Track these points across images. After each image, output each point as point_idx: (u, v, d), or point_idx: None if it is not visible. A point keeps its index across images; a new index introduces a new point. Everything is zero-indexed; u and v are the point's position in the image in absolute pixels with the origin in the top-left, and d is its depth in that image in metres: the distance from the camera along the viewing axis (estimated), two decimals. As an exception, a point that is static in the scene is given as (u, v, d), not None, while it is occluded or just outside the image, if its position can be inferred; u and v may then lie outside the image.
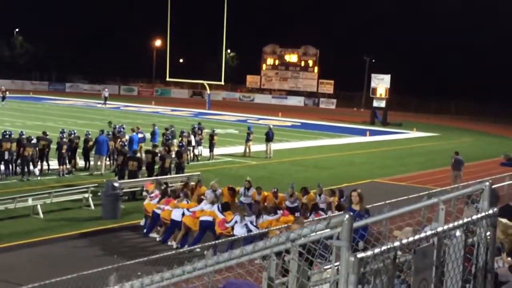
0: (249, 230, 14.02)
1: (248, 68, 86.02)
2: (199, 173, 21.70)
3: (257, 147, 31.29)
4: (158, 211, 15.76)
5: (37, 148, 22.62)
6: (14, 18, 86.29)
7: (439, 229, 3.32)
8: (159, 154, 22.25)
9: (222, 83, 61.27)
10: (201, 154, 29.15)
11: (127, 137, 26.02)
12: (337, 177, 25.43)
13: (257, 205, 16.36)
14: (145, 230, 16.14)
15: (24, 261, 13.64)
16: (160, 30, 70.33)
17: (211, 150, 28.87)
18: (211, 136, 29.06)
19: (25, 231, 15.77)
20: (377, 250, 2.79)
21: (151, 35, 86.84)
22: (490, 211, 3.69)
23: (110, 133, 26.03)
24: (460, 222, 3.46)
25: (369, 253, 2.76)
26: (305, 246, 3.18)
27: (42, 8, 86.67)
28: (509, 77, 76.54)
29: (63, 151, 22.84)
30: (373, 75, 57.42)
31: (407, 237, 3.05)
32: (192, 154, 27.92)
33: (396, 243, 2.93)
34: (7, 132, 22.58)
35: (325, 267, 4.31)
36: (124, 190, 18.68)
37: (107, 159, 24.78)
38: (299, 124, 51.21)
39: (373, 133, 46.31)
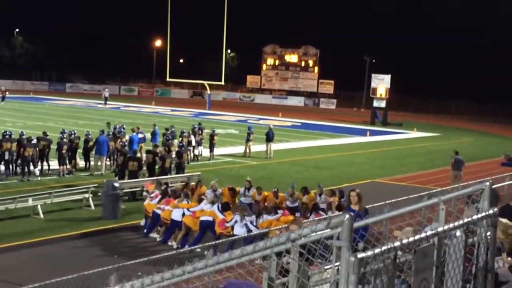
0: (249, 230, 14.03)
1: (248, 68, 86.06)
2: (199, 173, 21.71)
3: (257, 147, 31.30)
4: (158, 211, 15.76)
5: (37, 149, 22.63)
6: (14, 18, 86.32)
7: (440, 229, 3.32)
8: (159, 154, 22.26)
9: (223, 83, 61.31)
10: (201, 154, 29.16)
11: (127, 137, 26.03)
12: (338, 177, 25.43)
13: (257, 205, 16.37)
14: (145, 230, 16.14)
15: (24, 261, 13.64)
16: (160, 30, 70.39)
17: (211, 150, 28.87)
18: (212, 136, 29.07)
19: (25, 231, 15.78)
20: (377, 250, 2.79)
21: (151, 35, 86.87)
22: (491, 211, 3.69)
23: (111, 133, 26.04)
24: (461, 222, 3.46)
25: (369, 253, 2.76)
26: (305, 246, 3.18)
27: (42, 8, 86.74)
28: (509, 77, 76.56)
29: (64, 151, 22.85)
30: (373, 75, 57.43)
31: (408, 237, 3.04)
32: (192, 155, 27.93)
33: (397, 243, 2.93)
34: (7, 133, 22.59)
35: (326, 267, 4.31)
36: (124, 190, 18.69)
37: (108, 159, 24.78)
38: (299, 124, 51.21)
39: (373, 133, 46.31)
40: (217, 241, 13.65)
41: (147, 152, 23.54)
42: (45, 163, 23.30)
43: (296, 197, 16.86)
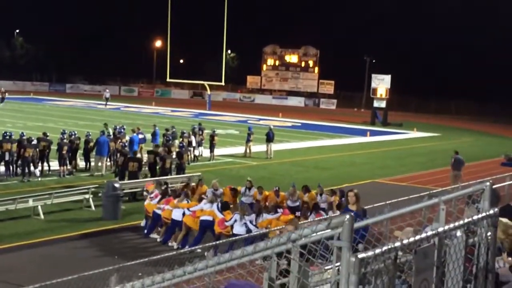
0: (248, 229, 14.04)
1: (249, 69, 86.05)
2: (199, 173, 21.70)
3: (258, 147, 31.30)
4: (159, 211, 15.77)
5: (37, 149, 22.63)
6: (14, 19, 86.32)
7: (440, 229, 3.32)
8: (160, 155, 22.26)
9: (223, 83, 61.30)
10: (201, 155, 29.16)
11: (127, 138, 26.03)
12: (338, 178, 25.43)
13: (258, 204, 16.38)
14: (145, 231, 16.15)
15: (24, 262, 13.64)
16: (160, 30, 70.37)
17: (211, 151, 28.87)
18: (212, 136, 29.06)
19: (25, 232, 15.78)
20: (378, 251, 2.79)
21: (151, 35, 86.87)
22: (491, 211, 3.70)
23: (111, 134, 26.03)
24: (461, 222, 3.46)
25: (370, 253, 2.76)
26: (306, 247, 3.18)
27: (42, 8, 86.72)
28: (509, 77, 76.54)
29: (64, 152, 22.84)
30: (373, 75, 57.41)
31: (408, 238, 3.05)
32: (192, 155, 27.94)
33: (397, 244, 2.93)
34: (8, 133, 22.60)
35: (326, 268, 4.31)
36: (124, 191, 18.69)
37: (108, 160, 24.79)
38: (299, 124, 51.21)
39: (373, 133, 46.31)
40: (217, 242, 13.64)
41: (149, 152, 23.54)
42: (45, 163, 23.30)
43: (297, 197, 16.87)
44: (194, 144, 28.23)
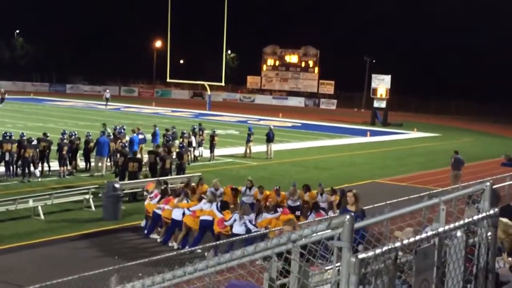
0: (248, 229, 14.04)
1: (249, 69, 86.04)
2: (200, 174, 21.70)
3: (258, 147, 31.30)
4: (159, 211, 15.77)
5: (37, 150, 22.63)
6: (14, 19, 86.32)
7: (440, 229, 3.32)
8: (161, 155, 22.27)
9: (223, 84, 61.31)
10: (201, 155, 29.16)
11: (127, 138, 26.03)
12: (338, 178, 25.43)
13: (258, 203, 16.39)
14: (145, 231, 16.15)
15: (25, 262, 13.64)
16: (160, 30, 70.34)
17: (211, 151, 28.87)
18: (212, 137, 29.06)
19: (26, 232, 15.78)
20: (378, 251, 2.79)
21: (151, 35, 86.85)
22: (491, 211, 3.70)
23: (111, 134, 26.03)
24: (461, 222, 3.46)
25: (370, 253, 2.76)
26: (305, 247, 3.18)
27: (42, 8, 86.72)
28: (509, 77, 76.52)
29: (64, 152, 22.84)
30: (373, 76, 57.42)
31: (408, 238, 3.05)
32: (192, 155, 27.94)
33: (397, 244, 2.93)
34: (8, 134, 22.60)
35: (326, 268, 4.31)
36: (124, 191, 18.69)
37: (108, 160, 24.79)
38: (299, 124, 51.22)
39: (373, 133, 46.31)
40: (218, 242, 13.64)
41: (149, 152, 23.56)
42: (45, 164, 23.30)
43: (298, 196, 16.87)
44: (194, 144, 28.24)
